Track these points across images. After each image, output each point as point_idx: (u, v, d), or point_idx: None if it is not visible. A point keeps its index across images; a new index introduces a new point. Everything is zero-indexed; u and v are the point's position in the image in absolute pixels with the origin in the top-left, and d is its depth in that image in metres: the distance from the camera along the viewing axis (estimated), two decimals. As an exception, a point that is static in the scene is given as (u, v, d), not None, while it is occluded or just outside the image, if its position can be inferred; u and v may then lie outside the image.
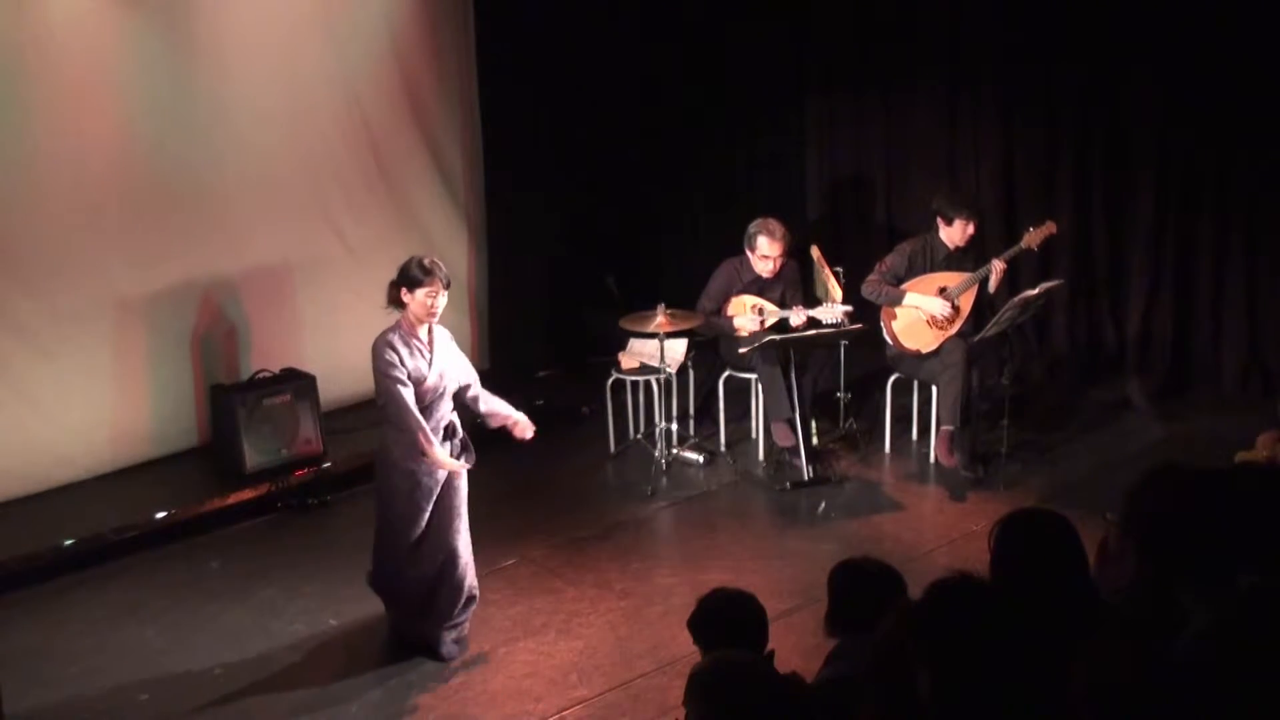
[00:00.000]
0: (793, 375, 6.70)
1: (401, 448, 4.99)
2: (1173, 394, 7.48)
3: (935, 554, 5.92)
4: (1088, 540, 3.19)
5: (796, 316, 6.75)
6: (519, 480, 6.94)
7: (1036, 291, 6.54)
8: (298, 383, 6.94)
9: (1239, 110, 6.97)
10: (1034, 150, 7.80)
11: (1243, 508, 2.87)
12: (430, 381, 4.97)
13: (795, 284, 7.04)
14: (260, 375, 6.99)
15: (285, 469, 6.77)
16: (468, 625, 5.34)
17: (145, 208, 6.74)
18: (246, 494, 6.59)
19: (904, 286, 6.79)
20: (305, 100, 7.24)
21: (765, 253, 6.85)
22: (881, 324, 6.89)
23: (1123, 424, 7.29)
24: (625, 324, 6.83)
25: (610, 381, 7.24)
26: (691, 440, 7.23)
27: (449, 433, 5.10)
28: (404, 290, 4.91)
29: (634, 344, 7.17)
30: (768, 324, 6.89)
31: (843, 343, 7.16)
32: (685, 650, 5.15)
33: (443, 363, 5.03)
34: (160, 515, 6.36)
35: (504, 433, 5.36)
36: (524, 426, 5.30)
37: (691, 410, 7.43)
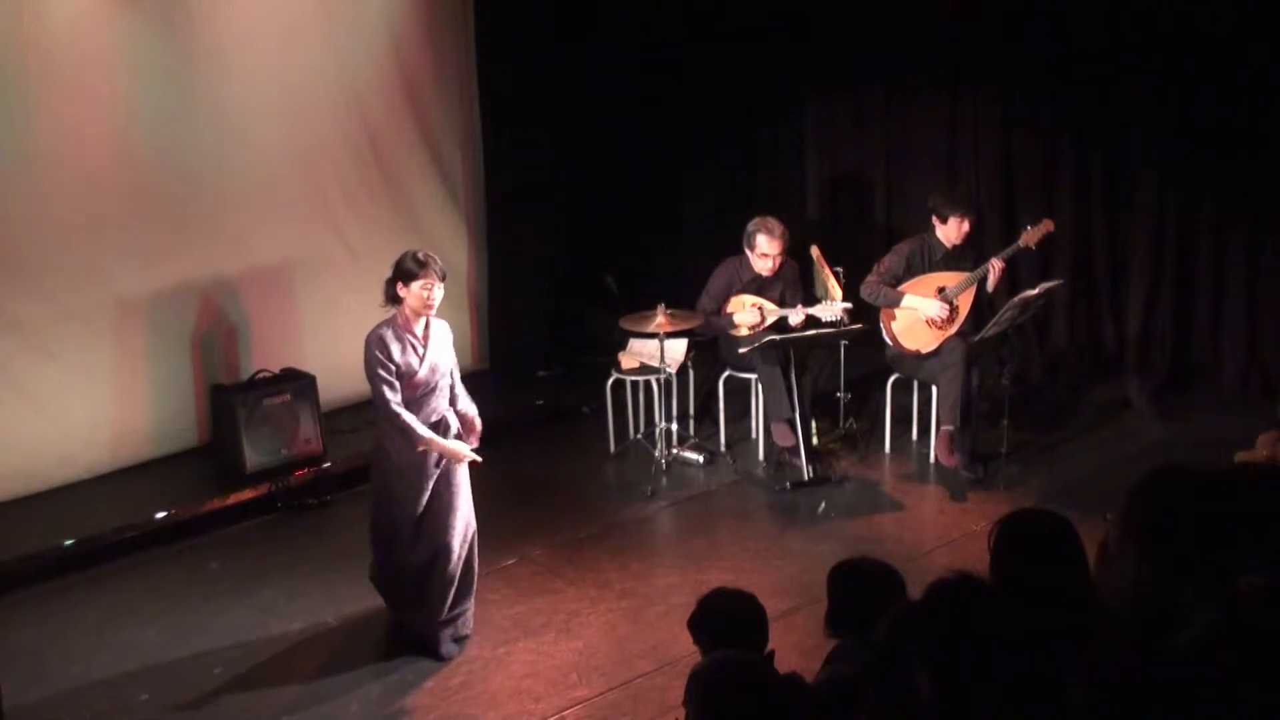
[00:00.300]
0: (793, 375, 6.70)
1: (394, 440, 5.02)
2: (1173, 394, 7.48)
3: (935, 554, 5.92)
4: (1088, 540, 3.19)
5: (796, 315, 6.76)
6: (519, 480, 6.94)
7: (1036, 291, 6.54)
8: (298, 383, 6.94)
9: (1239, 110, 6.97)
10: (1034, 150, 7.81)
11: (1243, 508, 2.87)
12: (421, 375, 4.98)
13: (795, 283, 7.04)
14: (260, 375, 6.99)
15: (285, 469, 6.77)
16: (466, 624, 5.35)
17: (145, 207, 6.75)
18: (246, 494, 6.59)
19: (902, 287, 6.79)
20: (305, 100, 7.24)
21: (764, 251, 6.86)
22: (881, 324, 6.89)
23: (1123, 424, 7.29)
24: (625, 324, 6.83)
25: (610, 381, 7.24)
26: (691, 440, 7.23)
27: (441, 428, 5.11)
28: (399, 285, 4.93)
29: (634, 344, 7.17)
30: (767, 322, 6.89)
31: (843, 343, 7.16)
32: (685, 650, 5.15)
33: (436, 357, 5.04)
34: (160, 515, 6.36)
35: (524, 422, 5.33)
36: (471, 441, 5.23)
37: (691, 410, 7.43)
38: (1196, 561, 2.76)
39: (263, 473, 6.71)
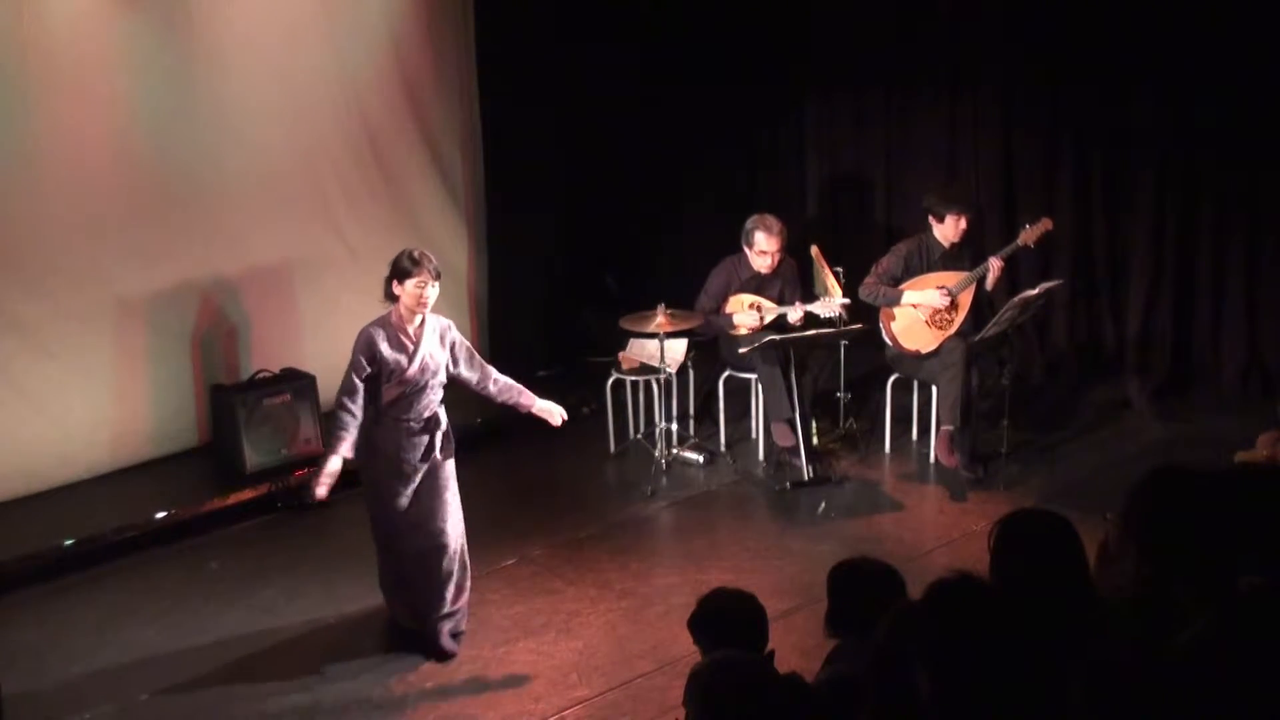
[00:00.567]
0: (793, 375, 6.70)
1: (381, 431, 5.05)
2: (1173, 394, 7.48)
3: (935, 554, 5.92)
4: (1088, 540, 3.19)
5: (794, 312, 6.76)
6: (519, 480, 6.94)
7: (1036, 291, 6.54)
8: (298, 383, 6.94)
9: (1239, 110, 6.96)
10: (1034, 150, 7.80)
11: (1243, 508, 2.87)
12: (410, 373, 5.00)
13: (793, 280, 7.04)
14: (260, 375, 6.99)
15: (285, 469, 6.77)
16: (464, 620, 5.35)
17: (145, 207, 6.74)
18: (246, 494, 6.59)
19: (902, 287, 6.79)
20: (305, 100, 7.23)
21: (763, 248, 6.86)
22: (881, 324, 6.89)
23: (1123, 424, 7.29)
24: (625, 324, 6.83)
25: (610, 381, 7.24)
26: (691, 440, 7.23)
27: (431, 424, 5.11)
28: (395, 283, 4.96)
29: (634, 344, 7.17)
30: (766, 320, 6.89)
31: (842, 343, 7.16)
32: (685, 650, 5.15)
33: (428, 357, 5.04)
34: (160, 515, 6.36)
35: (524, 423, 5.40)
36: (545, 407, 5.40)
37: (691, 410, 7.43)
38: (1196, 561, 2.76)
39: (263, 473, 6.71)
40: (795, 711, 2.87)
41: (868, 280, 6.85)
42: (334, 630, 5.51)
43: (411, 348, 5.01)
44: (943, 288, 6.71)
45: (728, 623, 3.58)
